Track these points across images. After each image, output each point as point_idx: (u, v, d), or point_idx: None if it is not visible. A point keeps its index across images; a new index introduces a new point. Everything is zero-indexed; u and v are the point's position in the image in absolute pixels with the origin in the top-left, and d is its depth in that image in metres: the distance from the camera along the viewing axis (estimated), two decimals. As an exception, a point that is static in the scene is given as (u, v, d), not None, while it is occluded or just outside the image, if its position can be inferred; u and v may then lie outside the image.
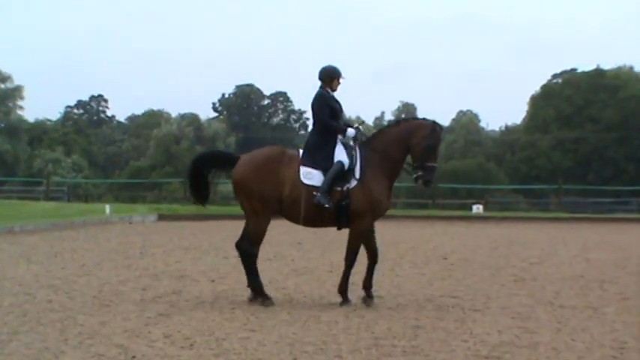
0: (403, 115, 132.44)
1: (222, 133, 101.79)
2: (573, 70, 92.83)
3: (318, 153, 11.99)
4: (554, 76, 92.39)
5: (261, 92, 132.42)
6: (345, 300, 12.14)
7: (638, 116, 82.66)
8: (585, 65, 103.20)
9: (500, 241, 25.08)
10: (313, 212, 11.93)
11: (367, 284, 12.26)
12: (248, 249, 12.12)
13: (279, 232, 27.80)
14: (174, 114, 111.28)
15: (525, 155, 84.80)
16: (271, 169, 11.95)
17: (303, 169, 11.92)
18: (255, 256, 12.17)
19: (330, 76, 12.32)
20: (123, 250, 19.74)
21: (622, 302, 12.52)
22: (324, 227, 12.52)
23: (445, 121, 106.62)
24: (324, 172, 11.89)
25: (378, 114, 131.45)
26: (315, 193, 11.77)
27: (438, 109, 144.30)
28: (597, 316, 11.31)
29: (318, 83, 12.33)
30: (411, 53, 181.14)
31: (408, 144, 12.11)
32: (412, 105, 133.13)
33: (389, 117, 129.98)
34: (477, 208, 42.86)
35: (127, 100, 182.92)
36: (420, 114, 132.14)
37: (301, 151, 12.17)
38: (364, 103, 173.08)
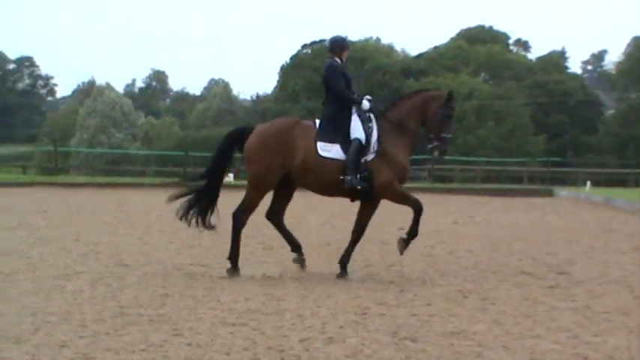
0: (154, 83, 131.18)
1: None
2: (322, 41, 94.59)
3: (334, 126, 11.95)
4: (304, 46, 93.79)
5: (6, 56, 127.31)
6: (344, 273, 12.08)
7: (385, 87, 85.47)
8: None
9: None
10: (331, 183, 11.94)
11: (344, 260, 12.29)
12: (237, 214, 12.09)
13: (25, 201, 26.85)
14: None
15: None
16: (281, 140, 11.87)
17: (320, 144, 11.87)
18: (243, 225, 12.13)
19: (340, 47, 12.34)
20: None
21: (366, 269, 12.87)
22: (339, 197, 12.49)
23: (197, 89, 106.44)
24: (342, 144, 11.86)
25: (129, 81, 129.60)
26: (341, 177, 11.75)
27: (190, 76, 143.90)
28: (342, 282, 11.57)
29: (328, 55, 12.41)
30: (161, 20, 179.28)
31: (424, 115, 12.20)
32: (163, 72, 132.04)
33: (140, 84, 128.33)
34: (228, 177, 43.04)
35: None
36: (171, 82, 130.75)
37: (317, 122, 12.08)
38: (114, 69, 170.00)
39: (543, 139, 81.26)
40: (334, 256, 14.09)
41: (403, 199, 12.22)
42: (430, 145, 12.28)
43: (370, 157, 11.91)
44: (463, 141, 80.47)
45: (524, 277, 12.17)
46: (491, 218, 22.59)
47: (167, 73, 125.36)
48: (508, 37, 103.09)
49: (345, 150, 11.85)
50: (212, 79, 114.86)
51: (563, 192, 40.89)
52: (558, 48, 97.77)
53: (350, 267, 12.34)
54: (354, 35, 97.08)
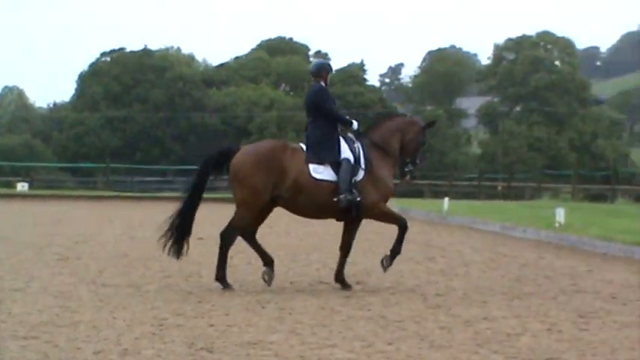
0: None
1: None
2: (122, 49, 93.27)
3: (323, 148, 12.14)
4: (103, 54, 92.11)
5: None
6: (347, 285, 12.23)
7: (185, 97, 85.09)
8: (133, 45, 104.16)
9: (45, 219, 24.59)
10: (323, 204, 12.06)
11: (340, 276, 12.38)
12: (228, 236, 12.10)
13: None
14: None
15: (74, 133, 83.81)
16: (273, 160, 11.93)
17: (312, 166, 12.02)
18: (231, 244, 12.15)
19: (326, 71, 12.64)
20: None
21: (164, 280, 12.72)
22: (328, 219, 12.69)
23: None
24: (332, 165, 12.05)
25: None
26: (335, 199, 11.92)
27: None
28: (140, 293, 11.38)
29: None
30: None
31: (403, 139, 12.61)
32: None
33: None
34: (22, 186, 41.81)
35: None
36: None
37: (303, 146, 12.19)
38: None
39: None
40: (132, 267, 13.92)
41: (389, 218, 12.68)
42: (405, 169, 12.81)
43: (359, 177, 12.20)
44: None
45: (321, 287, 12.34)
46: (290, 228, 22.77)
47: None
48: (308, 49, 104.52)
49: (335, 171, 12.09)
50: (6, 87, 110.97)
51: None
52: (357, 60, 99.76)
53: (146, 278, 12.18)
54: (154, 44, 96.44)
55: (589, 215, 23.39)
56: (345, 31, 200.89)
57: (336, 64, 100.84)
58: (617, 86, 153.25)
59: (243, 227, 12.20)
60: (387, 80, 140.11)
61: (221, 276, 12.01)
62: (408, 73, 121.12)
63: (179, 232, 12.29)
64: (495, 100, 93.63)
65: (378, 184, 12.31)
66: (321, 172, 12.08)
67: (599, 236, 18.31)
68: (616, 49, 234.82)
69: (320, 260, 15.37)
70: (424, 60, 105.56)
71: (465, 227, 25.29)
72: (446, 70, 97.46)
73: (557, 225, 20.70)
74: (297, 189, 12.00)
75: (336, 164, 12.10)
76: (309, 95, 12.62)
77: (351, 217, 12.32)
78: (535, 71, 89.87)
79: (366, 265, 14.77)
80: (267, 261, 12.33)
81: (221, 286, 11.92)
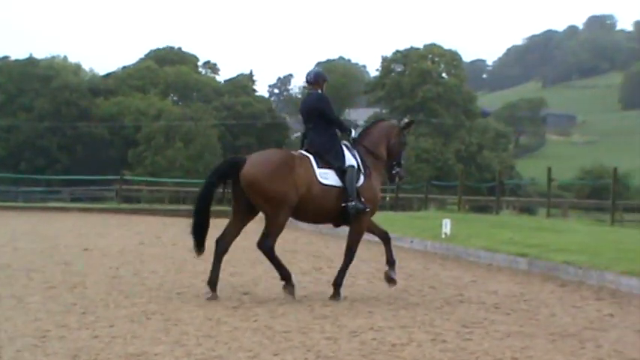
0: None
1: None
2: (6, 57, 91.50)
3: (329, 153, 12.43)
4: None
5: None
6: (338, 294, 12.43)
7: (71, 106, 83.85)
8: (18, 54, 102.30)
9: None
10: (330, 210, 12.44)
11: (390, 259, 12.94)
12: (266, 245, 12.29)
13: None
14: None
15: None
16: (286, 169, 12.04)
17: (319, 171, 12.30)
18: (273, 248, 12.32)
19: (322, 79, 12.97)
20: None
21: (48, 291, 12.47)
22: (327, 224, 13.13)
23: None
24: (337, 171, 12.37)
25: None
26: (343, 204, 12.30)
27: None
28: (22, 305, 11.14)
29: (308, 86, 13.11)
30: None
31: (388, 143, 13.10)
32: None
33: None
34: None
35: None
36: None
37: (305, 153, 12.45)
38: None
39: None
40: (14, 279, 13.64)
41: (373, 226, 13.04)
42: (393, 172, 13.30)
43: (359, 182, 12.56)
44: (152, 162, 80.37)
45: (208, 298, 12.25)
46: (177, 239, 22.59)
47: None
48: (197, 59, 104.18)
49: (340, 177, 12.39)
50: None
51: (249, 213, 41.66)
52: (246, 71, 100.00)
53: (29, 289, 11.96)
54: (39, 53, 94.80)
55: (474, 226, 23.76)
56: (234, 41, 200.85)
57: (225, 74, 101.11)
58: (503, 99, 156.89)
59: (280, 232, 12.47)
60: (277, 91, 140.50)
61: (285, 275, 12.47)
62: (297, 84, 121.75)
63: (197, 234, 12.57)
64: (384, 111, 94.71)
65: (372, 190, 12.75)
66: (328, 177, 12.38)
67: (483, 247, 18.61)
68: (501, 63, 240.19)
69: (207, 271, 15.22)
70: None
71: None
72: (335, 81, 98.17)
73: (443, 236, 21.00)
74: (309, 196, 12.24)
75: (341, 170, 12.43)
76: (309, 102, 12.87)
77: (347, 223, 12.71)
78: (423, 83, 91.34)
79: (253, 276, 14.75)
80: (213, 283, 12.31)
81: (209, 292, 12.11)
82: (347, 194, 12.31)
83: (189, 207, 47.86)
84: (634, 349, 8.92)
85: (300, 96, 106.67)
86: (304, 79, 13.41)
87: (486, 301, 12.47)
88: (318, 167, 12.35)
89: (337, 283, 12.61)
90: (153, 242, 22.08)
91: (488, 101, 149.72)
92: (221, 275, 12.47)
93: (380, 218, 15.20)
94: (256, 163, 12.13)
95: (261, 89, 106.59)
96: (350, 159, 12.56)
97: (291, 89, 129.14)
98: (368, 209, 12.47)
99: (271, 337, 9.28)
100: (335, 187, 12.37)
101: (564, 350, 8.83)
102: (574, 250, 16.53)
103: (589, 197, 71.01)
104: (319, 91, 12.91)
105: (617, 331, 10.06)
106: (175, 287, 13.26)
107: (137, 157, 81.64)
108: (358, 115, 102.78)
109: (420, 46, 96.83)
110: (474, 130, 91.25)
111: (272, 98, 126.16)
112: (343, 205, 12.32)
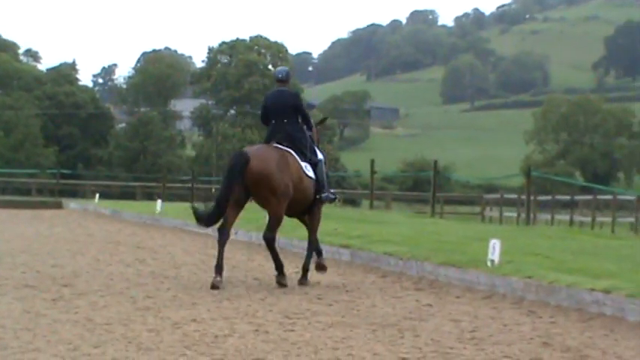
0: None
1: None
2: None
3: (306, 147, 13.12)
4: None
5: None
6: (305, 278, 13.38)
7: None
8: None
9: None
10: (307, 202, 13.21)
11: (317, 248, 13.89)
12: (271, 236, 12.90)
13: None
14: None
15: None
16: (286, 164, 12.66)
17: (304, 164, 12.96)
18: (275, 239, 13.00)
19: (290, 77, 13.74)
20: None
21: None
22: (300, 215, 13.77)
23: None
24: (311, 164, 13.11)
25: None
26: (317, 196, 13.19)
27: None
28: None
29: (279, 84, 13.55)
30: None
31: (317, 140, 14.08)
32: None
33: None
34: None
35: None
36: None
37: (287, 148, 12.91)
38: None
39: (54, 151, 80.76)
40: None
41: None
42: None
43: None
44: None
45: (27, 290, 11.94)
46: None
47: None
48: (18, 47, 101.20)
49: (313, 170, 13.15)
50: None
51: (72, 204, 40.93)
52: (69, 60, 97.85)
53: None
54: None
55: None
56: (56, 29, 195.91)
57: (47, 63, 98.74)
58: (328, 91, 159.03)
59: (281, 223, 13.15)
60: (101, 80, 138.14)
61: (279, 267, 13.08)
62: (122, 74, 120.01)
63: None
64: (210, 102, 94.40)
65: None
66: (309, 170, 13.08)
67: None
68: (327, 56, 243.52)
69: (26, 263, 14.88)
70: (138, 61, 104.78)
71: (177, 229, 25.33)
72: (160, 71, 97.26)
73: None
74: (301, 187, 12.91)
75: (313, 163, 13.22)
76: (284, 97, 13.37)
77: (308, 212, 13.53)
78: (249, 74, 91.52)
79: (74, 268, 14.47)
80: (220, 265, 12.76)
81: (216, 276, 12.56)
82: (319, 186, 13.17)
83: (9, 198, 46.64)
84: (450, 338, 9.19)
85: (125, 86, 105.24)
86: (275, 77, 13.90)
87: (309, 292, 12.61)
88: (302, 161, 13.03)
89: (305, 268, 13.43)
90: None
91: (315, 93, 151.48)
92: (40, 268, 12.19)
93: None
94: (262, 158, 12.65)
95: (85, 79, 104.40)
96: (319, 153, 13.49)
97: (116, 79, 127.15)
98: (337, 198, 13.60)
99: (92, 330, 9.14)
100: (312, 179, 13.13)
101: (384, 340, 9.01)
102: (395, 242, 16.87)
103: (411, 189, 72.96)
104: (286, 88, 13.57)
105: (435, 321, 10.33)
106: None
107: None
108: (183, 106, 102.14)
109: (247, 37, 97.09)
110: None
111: (96, 88, 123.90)
112: (317, 196, 13.18)
